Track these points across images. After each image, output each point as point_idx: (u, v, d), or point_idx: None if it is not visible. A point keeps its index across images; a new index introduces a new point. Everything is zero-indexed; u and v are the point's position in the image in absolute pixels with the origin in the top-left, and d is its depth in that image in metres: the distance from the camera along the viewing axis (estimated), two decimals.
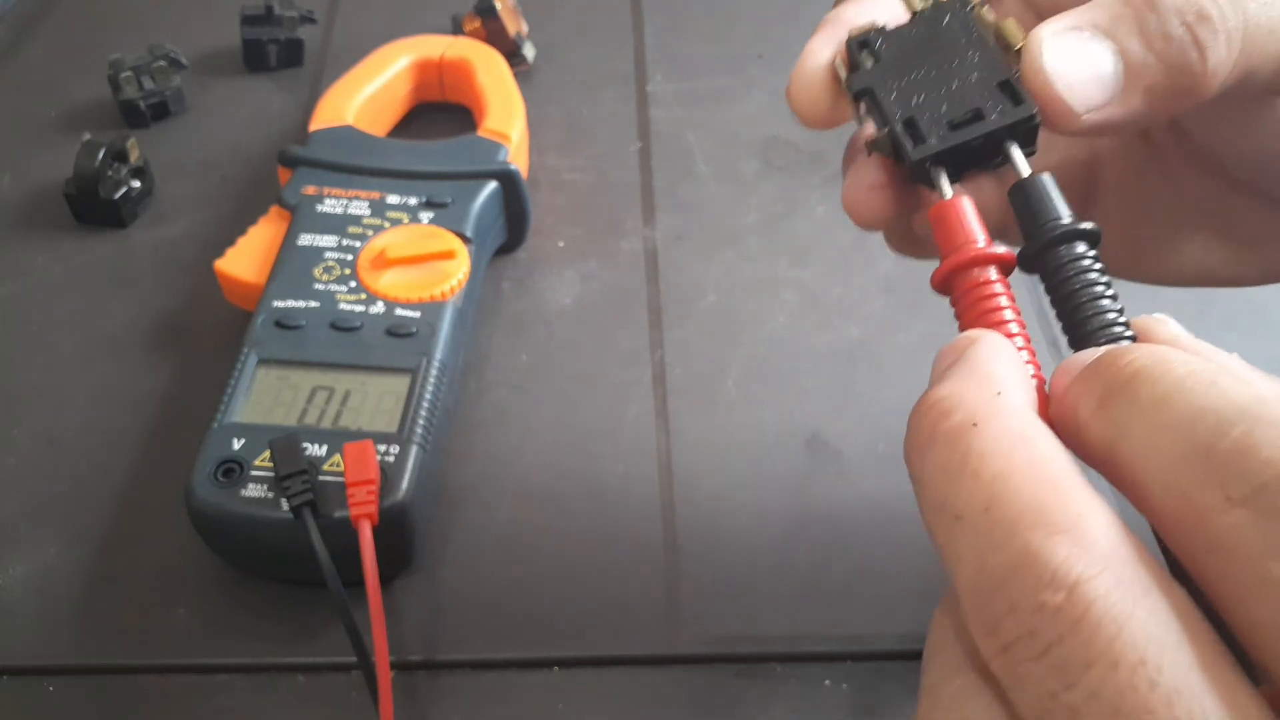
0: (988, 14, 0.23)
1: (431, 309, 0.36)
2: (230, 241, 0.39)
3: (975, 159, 0.22)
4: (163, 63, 0.48)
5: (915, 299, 0.41)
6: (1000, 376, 0.18)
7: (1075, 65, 0.20)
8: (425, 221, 0.39)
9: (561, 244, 0.43)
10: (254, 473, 0.31)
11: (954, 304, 0.21)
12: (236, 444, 0.32)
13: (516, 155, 0.43)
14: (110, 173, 0.43)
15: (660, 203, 0.45)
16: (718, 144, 0.47)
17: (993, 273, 0.21)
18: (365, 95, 0.45)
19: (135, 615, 0.32)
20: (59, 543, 0.33)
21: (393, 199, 0.40)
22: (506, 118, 0.44)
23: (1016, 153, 0.22)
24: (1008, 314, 0.20)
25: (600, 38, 0.53)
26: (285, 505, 0.30)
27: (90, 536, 0.34)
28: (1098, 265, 0.20)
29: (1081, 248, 0.20)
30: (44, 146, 0.46)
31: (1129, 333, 0.19)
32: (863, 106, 0.23)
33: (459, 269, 0.37)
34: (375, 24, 0.51)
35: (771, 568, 0.33)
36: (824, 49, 0.24)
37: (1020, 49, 0.21)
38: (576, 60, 0.51)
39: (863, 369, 0.39)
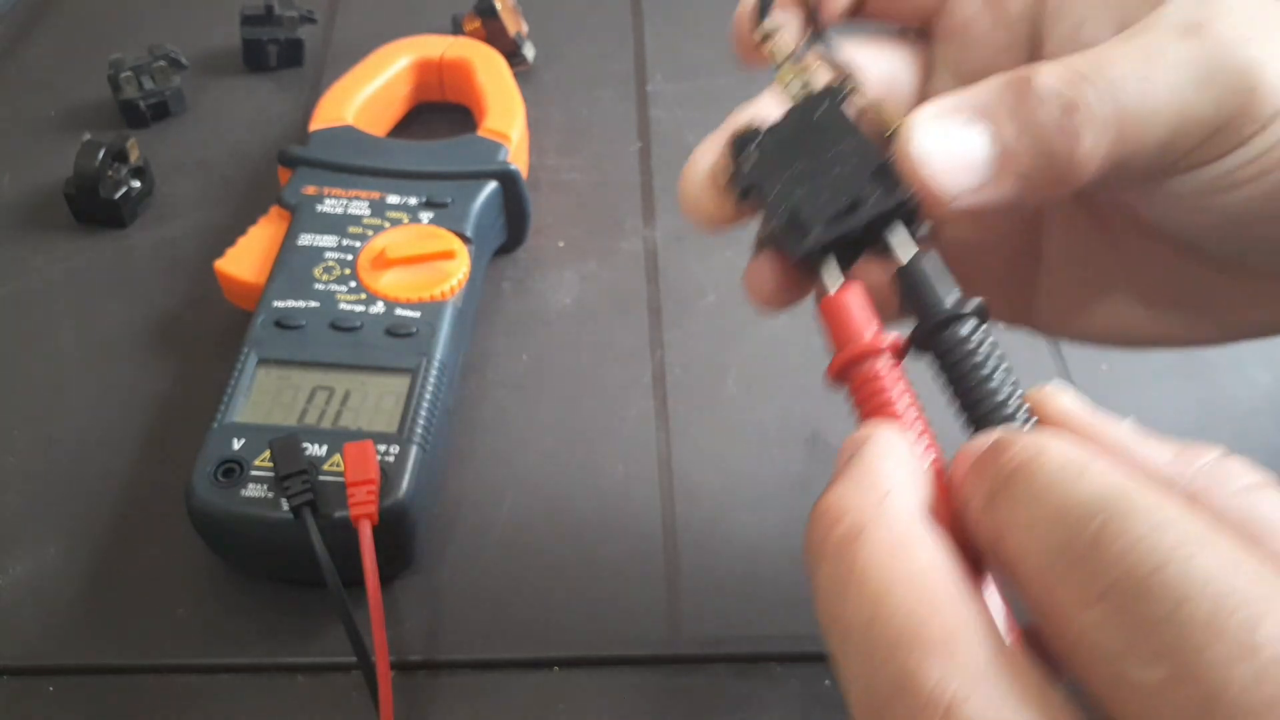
0: (860, 99, 0.23)
1: (431, 309, 0.36)
2: (230, 241, 0.39)
3: (864, 244, 0.22)
4: (163, 63, 0.48)
5: None
6: (887, 478, 0.17)
7: (946, 150, 0.20)
8: (425, 221, 0.39)
9: (561, 244, 0.43)
10: (254, 473, 0.31)
11: (849, 397, 0.21)
12: (236, 444, 0.32)
13: (516, 155, 0.43)
14: (110, 173, 0.43)
15: (660, 203, 0.45)
16: None
17: (883, 363, 0.20)
18: (365, 95, 0.45)
19: (135, 615, 0.32)
20: (59, 543, 0.33)
21: (393, 199, 0.40)
22: (506, 118, 0.44)
23: (894, 239, 0.21)
24: (900, 405, 0.19)
25: (600, 38, 0.53)
26: (285, 505, 0.30)
27: (90, 536, 0.34)
28: (986, 342, 0.20)
29: (966, 329, 0.20)
30: (44, 146, 0.46)
31: (1024, 408, 0.19)
32: (751, 204, 0.23)
33: (459, 269, 0.37)
34: (375, 24, 0.51)
35: (771, 568, 0.33)
36: (711, 152, 0.24)
37: (893, 133, 0.21)
38: (576, 60, 0.51)
39: None
